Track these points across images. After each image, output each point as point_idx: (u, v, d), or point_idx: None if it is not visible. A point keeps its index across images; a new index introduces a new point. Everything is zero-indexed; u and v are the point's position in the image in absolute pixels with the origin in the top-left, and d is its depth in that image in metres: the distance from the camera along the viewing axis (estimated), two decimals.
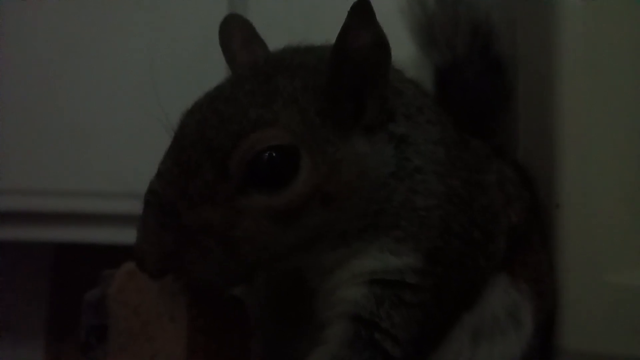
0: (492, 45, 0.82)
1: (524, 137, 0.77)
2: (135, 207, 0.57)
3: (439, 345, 0.62)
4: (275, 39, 0.66)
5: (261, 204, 0.54)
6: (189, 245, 0.53)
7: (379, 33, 0.55)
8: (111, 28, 1.08)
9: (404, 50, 0.85)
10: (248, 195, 0.54)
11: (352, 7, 0.53)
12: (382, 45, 0.55)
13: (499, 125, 0.82)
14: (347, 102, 0.57)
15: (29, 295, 1.38)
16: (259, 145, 0.53)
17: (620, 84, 0.68)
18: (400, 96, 0.62)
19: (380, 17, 0.55)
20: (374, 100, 0.57)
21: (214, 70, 0.69)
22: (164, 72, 1.06)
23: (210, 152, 0.53)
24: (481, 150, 0.69)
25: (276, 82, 0.56)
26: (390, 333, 0.58)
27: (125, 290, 0.62)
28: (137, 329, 0.60)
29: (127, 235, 0.58)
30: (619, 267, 0.65)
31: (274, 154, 0.53)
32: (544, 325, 0.66)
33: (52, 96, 1.07)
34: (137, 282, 0.54)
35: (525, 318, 0.64)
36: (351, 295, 0.59)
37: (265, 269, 0.57)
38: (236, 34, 0.66)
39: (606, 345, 0.65)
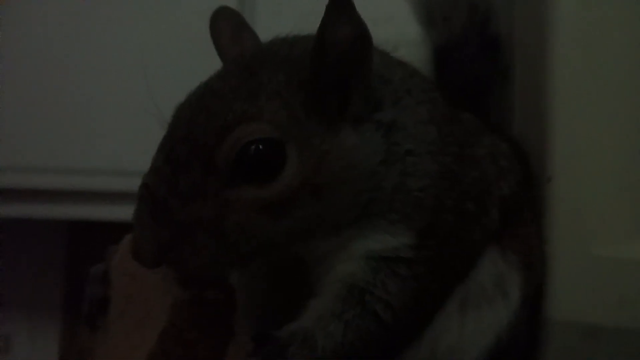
0: (490, 24, 0.82)
1: (519, 114, 0.78)
2: None
3: (434, 316, 0.63)
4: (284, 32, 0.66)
5: (249, 196, 0.55)
6: (183, 238, 0.55)
7: (358, 25, 0.55)
8: (118, 8, 1.10)
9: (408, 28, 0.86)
10: (236, 188, 0.55)
11: (330, 1, 0.53)
12: (362, 36, 0.56)
13: (496, 101, 0.83)
14: (331, 94, 0.57)
15: (45, 272, 1.41)
16: (244, 139, 0.54)
17: (613, 60, 0.69)
18: (388, 83, 0.62)
19: None
20: (358, 91, 0.58)
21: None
22: (174, 53, 1.08)
23: (198, 149, 0.55)
24: (473, 124, 0.69)
25: (260, 77, 0.57)
26: (383, 299, 0.59)
27: (126, 259, 0.64)
28: (135, 292, 0.63)
29: None
30: (606, 240, 0.66)
31: (260, 147, 0.54)
32: (532, 297, 0.67)
33: (63, 74, 1.10)
34: None
35: (512, 288, 0.65)
36: (347, 268, 0.61)
37: (259, 258, 0.59)
38: (224, 26, 0.67)
39: (593, 317, 0.66)
